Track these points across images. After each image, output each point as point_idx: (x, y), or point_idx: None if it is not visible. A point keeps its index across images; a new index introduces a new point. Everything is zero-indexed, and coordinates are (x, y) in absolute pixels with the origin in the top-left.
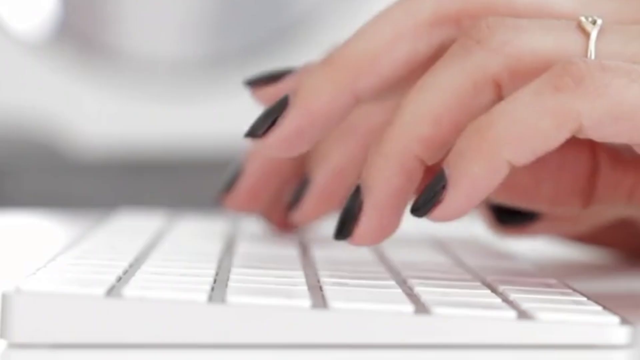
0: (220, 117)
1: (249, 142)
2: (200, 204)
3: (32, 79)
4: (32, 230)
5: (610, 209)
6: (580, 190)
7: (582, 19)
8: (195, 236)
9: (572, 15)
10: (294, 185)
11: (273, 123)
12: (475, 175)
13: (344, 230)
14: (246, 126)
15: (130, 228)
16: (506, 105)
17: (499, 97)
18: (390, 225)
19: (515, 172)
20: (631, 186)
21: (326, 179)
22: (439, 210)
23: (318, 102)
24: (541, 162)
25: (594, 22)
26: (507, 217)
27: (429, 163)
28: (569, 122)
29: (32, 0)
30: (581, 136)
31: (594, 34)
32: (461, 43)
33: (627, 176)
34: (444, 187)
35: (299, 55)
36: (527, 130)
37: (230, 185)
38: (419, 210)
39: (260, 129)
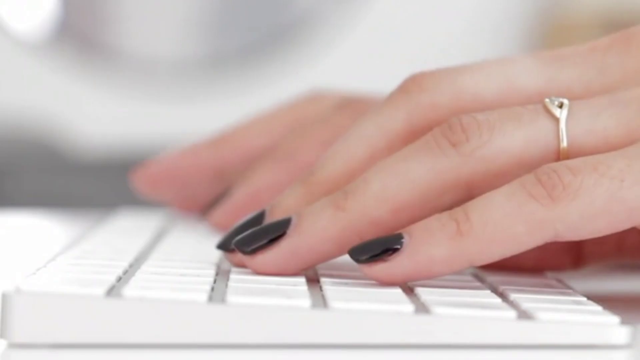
0: (220, 117)
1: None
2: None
3: (32, 79)
4: (32, 230)
5: (604, 263)
6: (567, 251)
7: (548, 102)
8: (195, 236)
9: (537, 93)
10: (214, 189)
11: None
12: (434, 257)
13: (246, 245)
14: None
15: (130, 228)
16: (483, 203)
17: (469, 196)
18: (288, 271)
19: None
20: (617, 239)
21: (244, 197)
22: (379, 268)
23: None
24: None
25: (561, 105)
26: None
27: (364, 239)
28: (543, 230)
29: (32, 0)
30: (559, 240)
31: (562, 117)
32: (437, 140)
33: None
34: (394, 251)
35: (299, 55)
36: (500, 233)
37: (146, 166)
38: (359, 259)
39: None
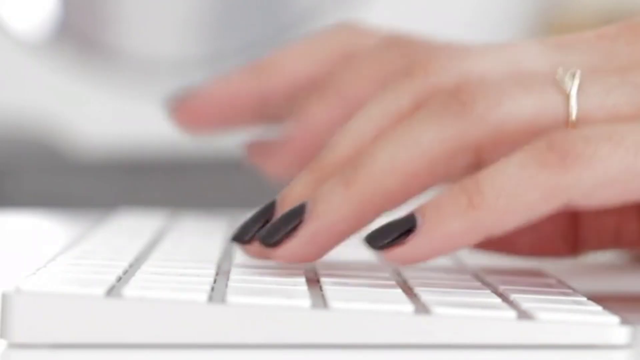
0: None
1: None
2: (200, 204)
3: (32, 79)
4: (32, 230)
5: (601, 252)
6: (563, 238)
7: (560, 73)
8: (195, 236)
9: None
10: (257, 121)
11: (261, 227)
12: (451, 233)
13: (270, 239)
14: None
15: (130, 228)
16: (495, 173)
17: (478, 161)
18: (311, 256)
19: None
20: (615, 228)
21: (302, 140)
22: (398, 252)
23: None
24: None
25: (573, 75)
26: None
27: (383, 214)
28: (557, 198)
29: (32, 0)
30: (573, 207)
31: (573, 91)
32: (443, 103)
33: (609, 219)
34: (409, 232)
35: None
36: (514, 203)
37: (184, 98)
38: (377, 245)
39: (248, 234)
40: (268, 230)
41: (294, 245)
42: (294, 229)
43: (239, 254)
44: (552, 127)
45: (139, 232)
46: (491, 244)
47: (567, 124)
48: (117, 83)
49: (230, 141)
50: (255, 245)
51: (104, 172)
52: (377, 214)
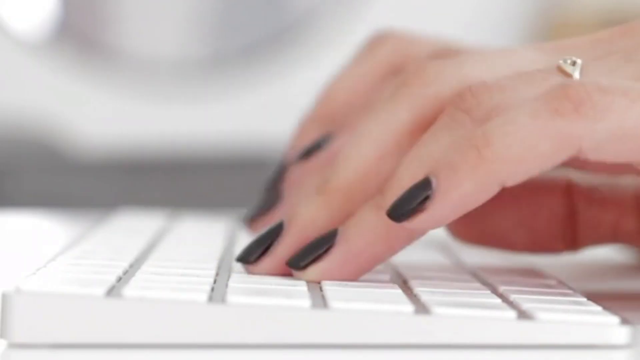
0: (220, 117)
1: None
2: (200, 204)
3: (32, 79)
4: (32, 230)
5: (598, 247)
6: (561, 234)
7: (561, 62)
8: (195, 236)
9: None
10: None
11: (266, 249)
12: (466, 191)
13: (300, 261)
14: (245, 126)
15: (130, 228)
16: (504, 125)
17: None
18: (344, 279)
19: (490, 219)
20: (614, 223)
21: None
22: (420, 219)
23: (315, 229)
24: (515, 209)
25: (574, 63)
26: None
27: (415, 237)
28: (569, 147)
29: (32, 0)
30: (581, 158)
31: (576, 74)
32: (449, 114)
33: (607, 214)
34: (428, 198)
35: (299, 55)
36: (525, 152)
37: (276, 180)
38: (397, 215)
39: (253, 255)
40: (298, 254)
41: (324, 266)
42: (325, 252)
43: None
44: None
45: (139, 232)
46: (488, 240)
47: None
48: (117, 83)
49: (231, 141)
50: (262, 266)
51: (104, 172)
52: (411, 237)
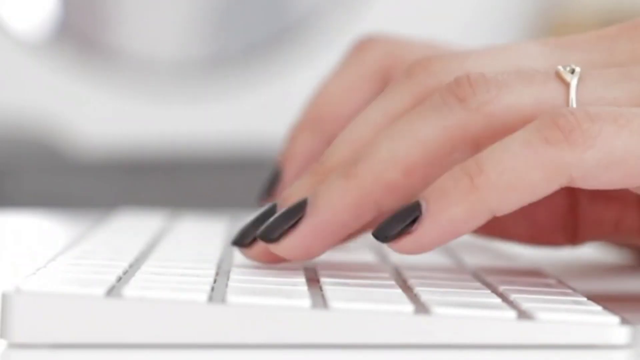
0: (221, 117)
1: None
2: (200, 204)
3: (32, 79)
4: (32, 230)
5: (599, 242)
6: (562, 228)
7: (560, 68)
8: (195, 236)
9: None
10: None
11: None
12: (456, 217)
13: (270, 233)
14: (245, 126)
15: (130, 228)
16: (496, 153)
17: (476, 153)
18: (312, 253)
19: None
20: (616, 219)
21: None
22: (405, 242)
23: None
24: None
25: (573, 71)
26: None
27: (384, 209)
28: (560, 176)
29: (32, 0)
30: (572, 186)
31: (573, 83)
32: (442, 96)
33: (609, 210)
34: (415, 220)
35: (299, 55)
36: (517, 181)
37: (270, 189)
38: (385, 237)
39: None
40: (268, 226)
41: (295, 239)
42: (295, 224)
43: (239, 254)
44: None
45: (139, 232)
46: (489, 230)
47: None
48: (117, 83)
49: (231, 141)
50: (256, 249)
51: (104, 172)
52: (378, 207)
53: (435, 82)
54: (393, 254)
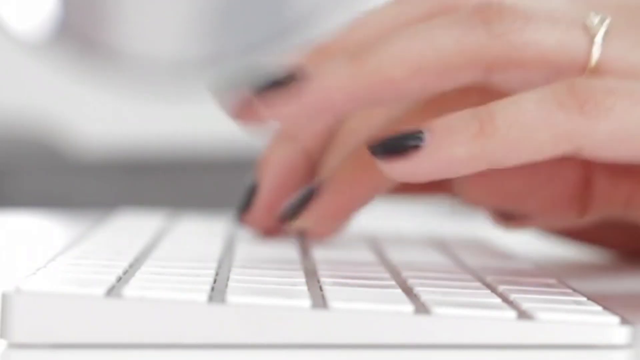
0: (221, 117)
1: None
2: (200, 204)
3: (32, 79)
4: (32, 230)
5: (607, 217)
6: (575, 199)
7: (590, 19)
8: (195, 236)
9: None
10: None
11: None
12: (456, 157)
13: (264, 93)
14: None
15: (130, 228)
16: (510, 107)
17: (486, 79)
18: (300, 120)
19: (507, 179)
20: (628, 194)
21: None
22: (399, 165)
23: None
24: (532, 171)
25: (602, 22)
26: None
27: (375, 104)
28: (567, 142)
29: (32, 0)
30: (579, 156)
31: (599, 37)
32: (469, 13)
33: (622, 184)
34: (415, 147)
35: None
36: (524, 138)
37: (246, 204)
38: (379, 152)
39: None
40: (264, 79)
41: (284, 105)
42: (290, 88)
43: (240, 254)
44: (569, 66)
45: (139, 232)
46: (500, 199)
47: (585, 68)
48: (117, 83)
49: (230, 141)
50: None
51: (104, 172)
52: (372, 100)
53: (454, 1)
54: (393, 254)
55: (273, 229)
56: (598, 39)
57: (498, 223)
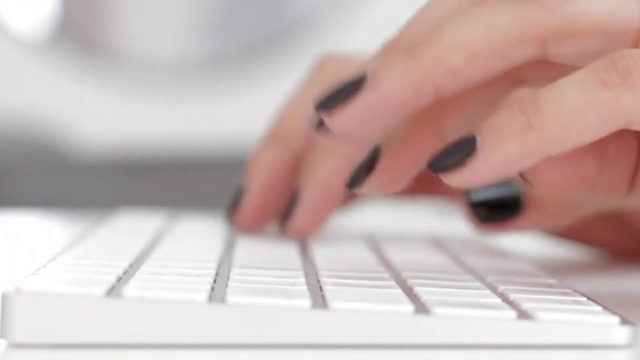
0: (220, 117)
1: (252, 160)
2: (200, 204)
3: (32, 79)
4: (32, 230)
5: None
6: (629, 178)
7: None
8: (195, 236)
9: None
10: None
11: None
12: (511, 155)
13: (326, 102)
14: (245, 126)
15: (130, 228)
16: (554, 93)
17: (542, 53)
18: (365, 130)
19: (583, 161)
20: None
21: (315, 193)
22: (459, 174)
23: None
24: (603, 152)
25: None
26: (487, 213)
27: (441, 95)
28: (616, 118)
29: (32, 0)
30: (630, 129)
31: None
32: None
33: None
34: (470, 154)
35: (299, 56)
36: (573, 123)
37: (235, 205)
38: (438, 166)
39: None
40: (326, 93)
41: (350, 112)
42: (353, 95)
43: (239, 254)
44: (624, 32)
45: (139, 232)
46: (577, 182)
47: (638, 31)
48: (117, 83)
49: (230, 141)
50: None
51: (104, 172)
52: (437, 91)
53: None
54: (393, 253)
55: (261, 229)
56: None
57: (478, 228)
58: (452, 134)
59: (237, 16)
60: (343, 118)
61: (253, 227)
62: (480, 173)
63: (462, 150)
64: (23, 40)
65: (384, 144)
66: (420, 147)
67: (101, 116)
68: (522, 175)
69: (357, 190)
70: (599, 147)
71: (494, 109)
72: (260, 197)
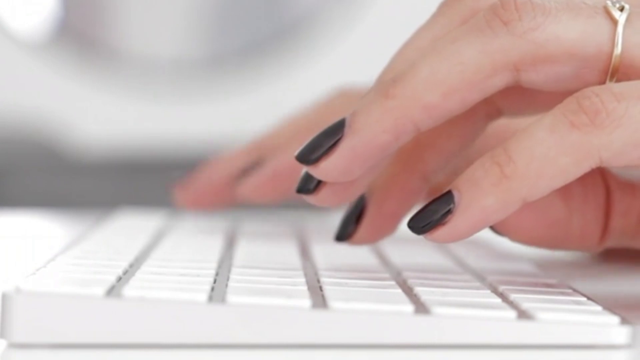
0: (220, 117)
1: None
2: None
3: (32, 79)
4: (32, 230)
5: (620, 243)
6: (601, 221)
7: (609, 4)
8: (195, 236)
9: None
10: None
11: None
12: (488, 207)
13: (309, 154)
14: (245, 126)
15: (130, 228)
16: (524, 141)
17: (516, 80)
18: (350, 174)
19: (550, 205)
20: None
21: (278, 166)
22: (440, 233)
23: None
24: (568, 194)
25: (622, 9)
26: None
27: (421, 130)
28: (588, 158)
29: (32, 0)
30: (602, 166)
31: (621, 21)
32: (488, 20)
33: (636, 200)
34: (449, 211)
35: (299, 56)
36: (546, 168)
37: (185, 181)
38: (419, 228)
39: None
40: (307, 147)
41: (334, 161)
42: (335, 144)
43: (240, 254)
44: (595, 56)
45: (139, 232)
46: (548, 228)
47: (610, 56)
48: (117, 83)
49: (230, 141)
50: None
51: (104, 172)
52: (416, 128)
53: (484, 5)
54: (393, 254)
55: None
56: (620, 24)
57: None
58: (435, 174)
59: (236, 16)
60: (328, 167)
61: (196, 207)
62: (461, 228)
63: (441, 209)
64: (23, 40)
65: (369, 193)
66: (406, 192)
67: (101, 116)
68: (493, 229)
69: (347, 243)
70: (563, 189)
71: (469, 157)
72: (214, 182)
